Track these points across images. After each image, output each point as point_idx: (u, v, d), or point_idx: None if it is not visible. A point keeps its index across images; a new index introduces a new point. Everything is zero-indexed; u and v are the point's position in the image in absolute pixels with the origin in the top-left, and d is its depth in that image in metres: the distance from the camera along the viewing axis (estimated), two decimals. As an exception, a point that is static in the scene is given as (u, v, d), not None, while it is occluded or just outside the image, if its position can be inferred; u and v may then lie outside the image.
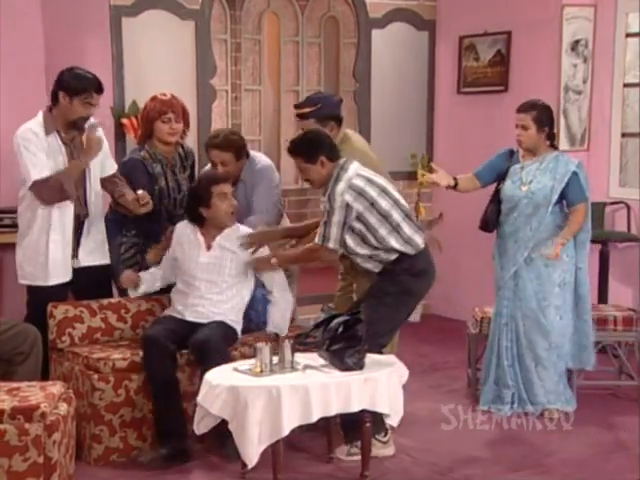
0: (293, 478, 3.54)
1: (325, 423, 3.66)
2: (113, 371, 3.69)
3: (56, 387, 3.22)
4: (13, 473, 2.95)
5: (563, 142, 5.51)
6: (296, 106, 4.25)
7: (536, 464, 3.76)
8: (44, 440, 2.97)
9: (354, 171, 3.73)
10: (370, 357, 3.55)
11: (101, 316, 4.03)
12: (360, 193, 3.68)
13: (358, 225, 3.71)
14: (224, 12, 5.89)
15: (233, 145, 4.14)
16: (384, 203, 3.71)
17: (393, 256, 3.75)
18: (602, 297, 5.40)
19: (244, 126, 5.95)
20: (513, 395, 4.29)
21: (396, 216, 3.74)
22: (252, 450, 3.26)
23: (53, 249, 3.92)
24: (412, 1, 6.20)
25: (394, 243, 3.73)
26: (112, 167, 4.15)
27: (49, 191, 3.81)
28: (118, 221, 4.21)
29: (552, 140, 4.35)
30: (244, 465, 3.41)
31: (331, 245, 3.72)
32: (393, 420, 3.55)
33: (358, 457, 3.61)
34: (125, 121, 5.05)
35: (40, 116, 3.92)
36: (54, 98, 3.90)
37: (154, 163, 4.26)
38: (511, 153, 4.40)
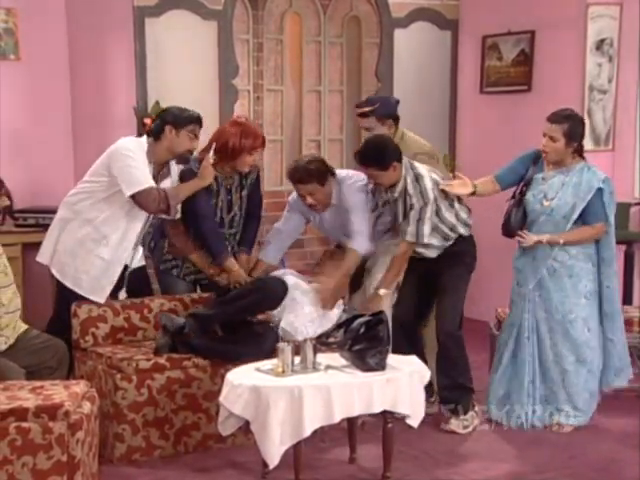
0: (315, 479, 3.54)
1: (348, 424, 3.67)
2: (136, 371, 3.71)
3: (79, 386, 3.25)
4: (37, 471, 2.98)
5: (588, 142, 5.45)
6: (357, 105, 4.54)
7: (562, 466, 3.74)
8: (68, 439, 3.00)
9: (422, 167, 4.08)
10: (391, 357, 3.55)
11: (124, 316, 4.06)
12: (436, 185, 4.03)
13: (434, 217, 4.03)
14: (246, 12, 5.91)
15: (313, 175, 4.06)
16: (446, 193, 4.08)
17: (453, 240, 4.11)
18: (627, 298, 5.35)
19: (266, 126, 5.95)
20: (527, 413, 4.11)
21: (454, 204, 4.10)
22: (274, 450, 3.27)
23: (118, 270, 3.99)
24: (435, 0, 6.19)
25: (460, 229, 4.11)
26: (177, 211, 4.11)
27: (155, 200, 3.87)
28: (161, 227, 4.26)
29: (579, 152, 4.11)
30: (265, 465, 3.42)
31: (425, 241, 4.02)
32: (414, 421, 3.55)
33: (472, 427, 4.03)
34: (148, 121, 5.07)
35: (145, 142, 3.97)
36: (158, 133, 3.95)
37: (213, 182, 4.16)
38: (536, 157, 4.16)
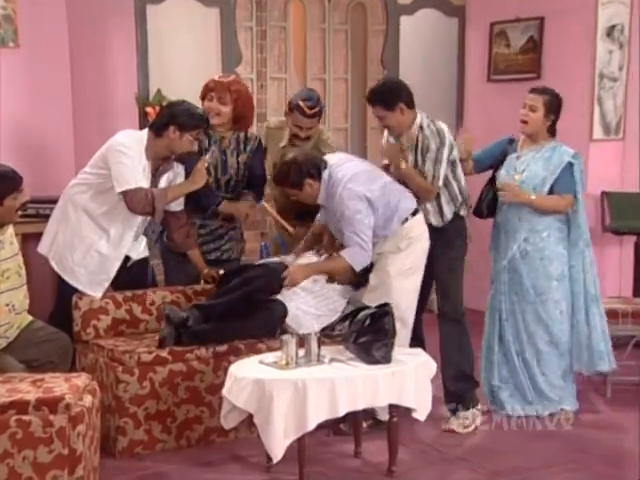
0: (319, 473, 3.55)
1: (352, 417, 3.67)
2: (138, 364, 3.71)
3: (81, 379, 3.25)
4: (38, 465, 2.98)
5: (597, 131, 5.45)
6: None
7: (569, 460, 3.74)
8: (69, 432, 3.00)
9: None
10: (397, 350, 3.54)
11: (126, 308, 4.06)
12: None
13: (449, 171, 4.00)
14: (249, -1, 5.89)
15: (287, 180, 3.92)
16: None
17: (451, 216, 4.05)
18: (637, 290, 5.34)
19: (269, 115, 5.94)
20: (530, 394, 4.21)
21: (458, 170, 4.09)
22: (277, 444, 3.27)
23: (116, 265, 3.99)
24: (442, -13, 6.17)
25: (461, 196, 4.07)
26: (180, 203, 4.14)
27: (140, 202, 3.86)
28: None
29: (553, 133, 4.22)
30: (269, 459, 3.42)
31: (440, 184, 3.97)
32: (420, 415, 3.55)
33: (473, 426, 4.00)
34: (149, 110, 5.07)
35: (145, 139, 3.95)
36: (160, 129, 3.93)
37: (202, 136, 4.20)
38: (510, 141, 4.31)
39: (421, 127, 4.00)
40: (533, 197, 4.11)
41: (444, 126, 4.06)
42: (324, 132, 4.63)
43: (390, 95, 3.96)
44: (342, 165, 3.93)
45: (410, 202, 3.92)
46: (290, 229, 4.46)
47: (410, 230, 3.89)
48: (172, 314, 3.86)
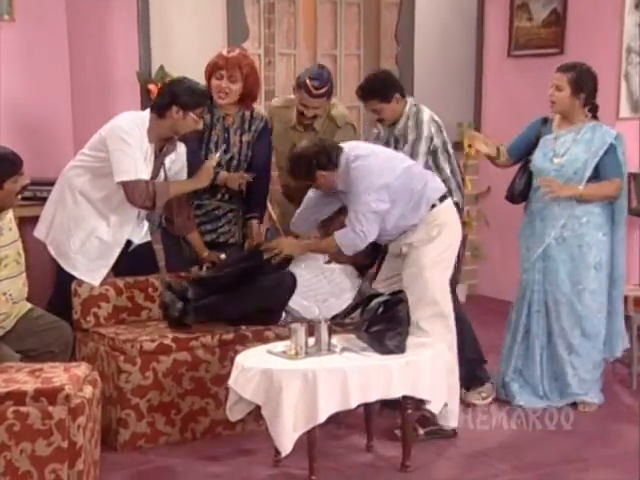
0: (330, 467, 3.55)
1: (365, 409, 3.67)
2: (140, 353, 3.72)
3: (80, 369, 3.26)
4: (36, 458, 2.99)
5: (624, 109, 5.41)
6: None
7: (591, 455, 3.73)
8: (68, 424, 3.01)
9: (429, 111, 4.14)
10: (411, 339, 3.54)
11: (127, 295, 4.07)
12: (439, 129, 4.11)
13: (430, 162, 4.07)
14: (256, -30, 5.87)
15: (301, 175, 3.85)
16: (450, 149, 4.16)
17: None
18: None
19: (277, 92, 5.92)
20: (541, 392, 4.22)
21: (453, 161, 4.17)
22: (286, 437, 3.28)
23: (116, 251, 4.00)
24: (459, -44, 6.12)
25: (452, 183, 4.10)
26: (161, 208, 4.12)
27: (141, 195, 3.86)
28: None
29: (593, 112, 4.19)
30: (277, 453, 3.43)
31: None
32: (435, 407, 3.55)
33: (490, 398, 4.17)
34: (152, 87, 5.05)
35: (147, 120, 3.93)
36: (162, 110, 3.92)
37: (204, 112, 4.21)
38: (544, 120, 4.28)
39: (408, 117, 4.10)
40: (581, 189, 4.08)
41: (426, 116, 4.10)
42: (335, 106, 4.55)
43: (385, 87, 4.08)
44: (359, 147, 3.89)
45: (437, 187, 3.85)
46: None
47: (439, 216, 3.78)
48: (172, 282, 3.90)
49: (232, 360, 3.56)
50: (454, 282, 4.06)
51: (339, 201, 3.91)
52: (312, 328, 3.53)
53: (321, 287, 4.04)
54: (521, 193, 4.29)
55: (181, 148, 4.11)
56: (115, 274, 4.11)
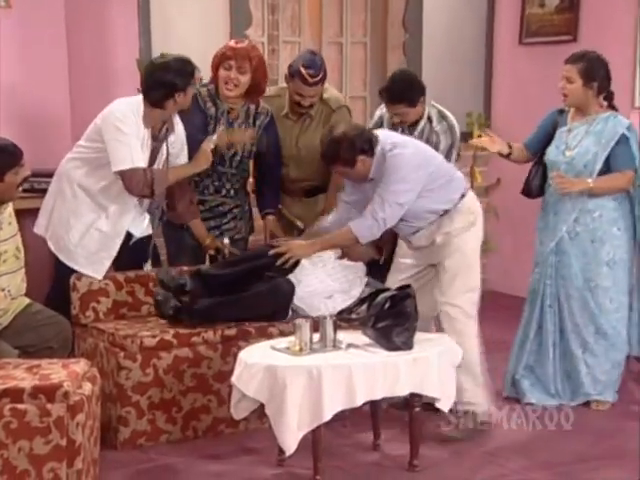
0: (335, 467, 3.56)
1: (371, 407, 3.68)
2: (141, 349, 3.73)
3: (79, 365, 3.27)
4: (34, 456, 3.00)
5: (640, 100, 5.40)
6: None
7: (606, 454, 3.73)
8: (67, 422, 3.01)
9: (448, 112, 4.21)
10: (419, 335, 3.54)
11: (127, 289, 4.08)
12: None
13: None
14: (260, -45, 5.87)
15: (338, 158, 3.74)
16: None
17: None
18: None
19: (281, 81, 5.92)
20: (553, 390, 4.22)
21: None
22: (291, 436, 3.28)
23: (117, 243, 4.01)
24: (469, -59, 6.11)
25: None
26: (161, 196, 4.14)
27: (139, 184, 3.87)
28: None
29: (609, 100, 4.17)
30: (282, 452, 3.44)
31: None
32: (444, 405, 3.55)
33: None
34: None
35: (141, 105, 3.94)
36: (161, 102, 3.93)
37: (209, 103, 4.25)
38: (560, 112, 4.27)
39: (429, 119, 4.12)
40: (590, 182, 4.06)
41: (454, 120, 4.16)
42: (327, 90, 4.53)
43: (412, 90, 4.09)
44: (393, 135, 3.90)
45: (461, 177, 3.91)
46: (299, 224, 4.43)
47: (472, 204, 3.87)
48: (166, 278, 3.88)
49: (235, 356, 3.57)
50: None
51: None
52: (317, 324, 3.53)
53: (327, 285, 4.05)
54: (538, 187, 4.29)
55: (179, 128, 4.11)
56: (115, 268, 4.12)
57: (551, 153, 4.21)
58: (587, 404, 4.24)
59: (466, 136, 6.06)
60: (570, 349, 4.21)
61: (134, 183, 3.87)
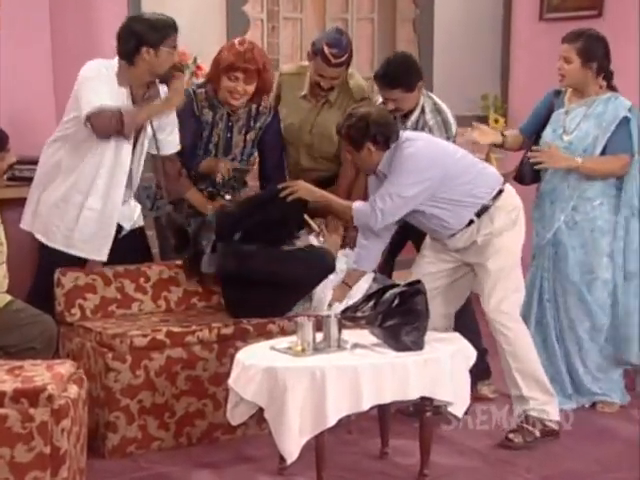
0: (340, 476, 3.56)
1: (378, 412, 3.67)
2: (130, 350, 3.73)
3: (65, 366, 3.27)
4: (16, 465, 3.00)
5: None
6: None
7: (637, 464, 3.71)
8: (51, 427, 3.01)
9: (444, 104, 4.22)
10: (430, 334, 3.54)
11: (117, 285, 4.08)
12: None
13: None
14: None
15: (349, 135, 3.79)
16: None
17: None
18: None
19: (282, 61, 5.92)
20: (564, 387, 4.23)
21: None
22: (292, 443, 3.28)
23: (114, 218, 4.01)
24: None
25: None
26: (175, 145, 4.16)
27: (105, 120, 3.83)
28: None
29: (608, 80, 4.17)
30: (282, 459, 3.43)
31: None
32: (458, 410, 3.55)
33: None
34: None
35: (116, 64, 3.96)
36: (132, 56, 3.93)
37: (205, 109, 4.25)
38: (557, 93, 4.28)
39: (423, 110, 4.12)
40: (579, 160, 4.06)
41: (450, 115, 4.14)
42: (352, 76, 4.53)
43: (410, 74, 4.08)
44: (410, 132, 3.94)
45: (493, 171, 3.90)
46: (315, 228, 4.41)
47: (513, 199, 3.84)
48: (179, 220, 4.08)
49: (232, 357, 3.56)
50: None
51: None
52: (320, 322, 3.53)
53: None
54: (531, 173, 4.25)
55: (172, 116, 4.09)
56: (104, 263, 4.11)
57: (547, 137, 4.20)
58: (594, 405, 4.26)
59: (482, 120, 6.08)
60: (567, 348, 4.24)
61: (101, 121, 3.82)
